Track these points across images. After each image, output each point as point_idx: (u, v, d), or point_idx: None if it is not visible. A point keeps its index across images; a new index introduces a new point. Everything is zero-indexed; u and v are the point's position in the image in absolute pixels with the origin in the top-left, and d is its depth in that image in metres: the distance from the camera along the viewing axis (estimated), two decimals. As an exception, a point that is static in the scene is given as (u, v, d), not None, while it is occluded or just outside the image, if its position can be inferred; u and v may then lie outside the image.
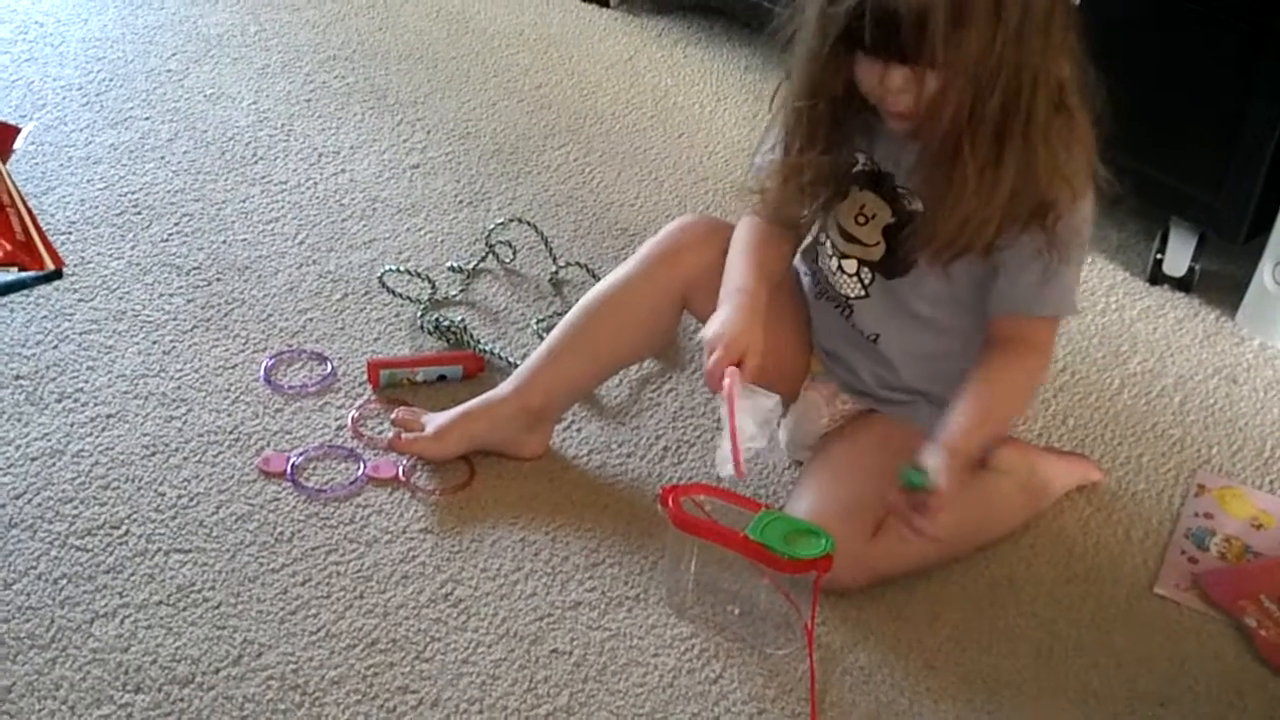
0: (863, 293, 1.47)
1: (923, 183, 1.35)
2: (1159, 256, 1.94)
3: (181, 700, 1.27)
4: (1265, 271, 1.84)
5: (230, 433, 1.58)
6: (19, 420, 1.57)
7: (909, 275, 1.43)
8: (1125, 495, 1.60)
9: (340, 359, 1.70)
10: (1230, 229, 1.86)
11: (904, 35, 1.24)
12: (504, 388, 1.56)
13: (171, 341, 1.71)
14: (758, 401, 1.35)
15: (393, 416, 1.58)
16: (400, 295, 1.81)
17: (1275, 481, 1.63)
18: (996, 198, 1.30)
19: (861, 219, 1.44)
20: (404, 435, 1.55)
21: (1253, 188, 1.81)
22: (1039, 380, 1.47)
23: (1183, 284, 1.94)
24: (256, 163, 2.07)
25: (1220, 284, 1.94)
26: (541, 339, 1.67)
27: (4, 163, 1.93)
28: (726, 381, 1.33)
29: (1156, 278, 1.95)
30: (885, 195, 1.42)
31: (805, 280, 1.56)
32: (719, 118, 2.28)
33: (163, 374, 1.65)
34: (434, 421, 1.56)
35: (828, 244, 1.49)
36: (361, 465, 1.54)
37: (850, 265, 1.47)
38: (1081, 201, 1.34)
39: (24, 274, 1.78)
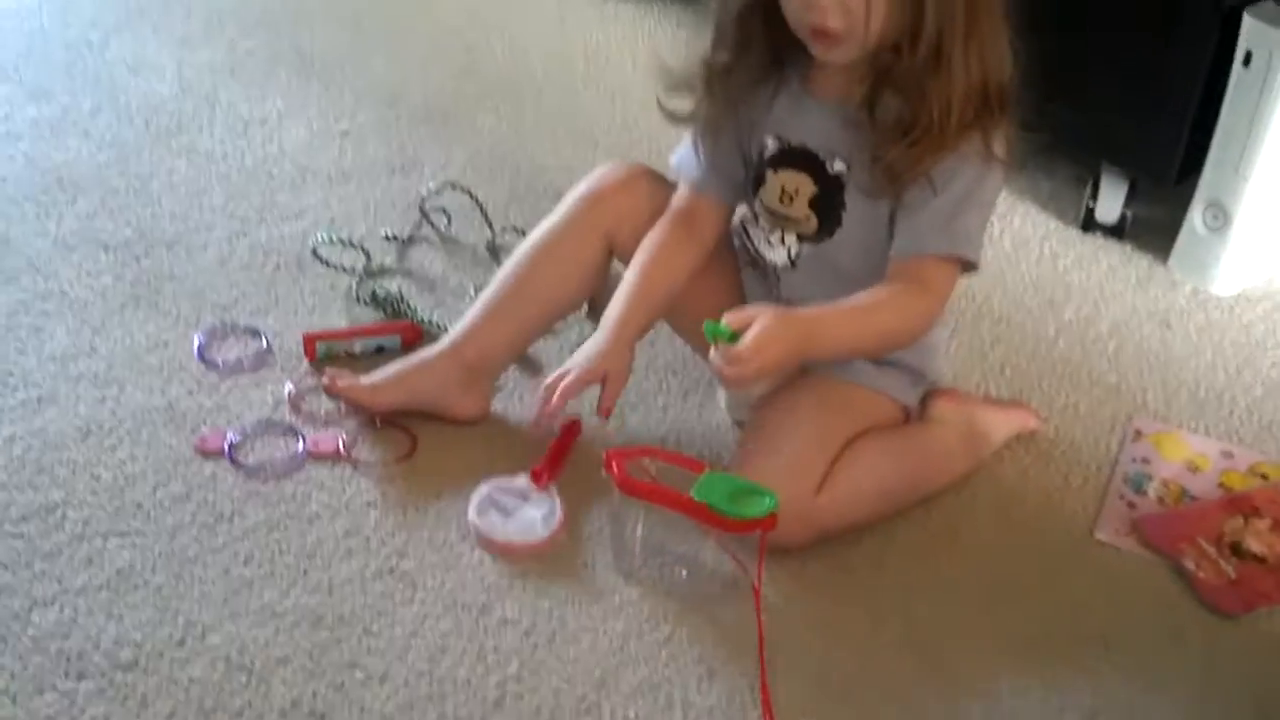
0: (789, 263, 1.48)
1: (911, 92, 1.32)
2: (1090, 204, 1.95)
3: (125, 685, 1.26)
4: (1196, 216, 1.85)
5: (165, 412, 1.55)
6: (-53, 406, 1.54)
7: (834, 235, 1.44)
8: (1063, 442, 1.61)
9: (275, 333, 1.68)
10: (1161, 172, 1.88)
11: None
12: (439, 344, 1.56)
13: (101, 320, 1.68)
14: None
15: (326, 371, 1.56)
16: (334, 266, 1.79)
17: (1210, 425, 1.65)
18: (977, 82, 1.31)
19: (786, 199, 1.45)
20: (339, 381, 1.53)
21: (1181, 129, 1.82)
22: (924, 321, 1.41)
23: (1115, 231, 1.95)
24: (181, 134, 2.04)
25: (1152, 230, 1.95)
26: (479, 305, 1.67)
27: (-81, 142, 1.89)
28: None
29: (1089, 225, 1.97)
30: (803, 168, 1.43)
31: (736, 245, 1.56)
32: (652, 76, 2.25)
33: (93, 354, 1.62)
34: (368, 378, 1.55)
35: (760, 222, 1.49)
36: (301, 440, 1.52)
37: (790, 238, 1.47)
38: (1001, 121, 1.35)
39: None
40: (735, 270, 1.56)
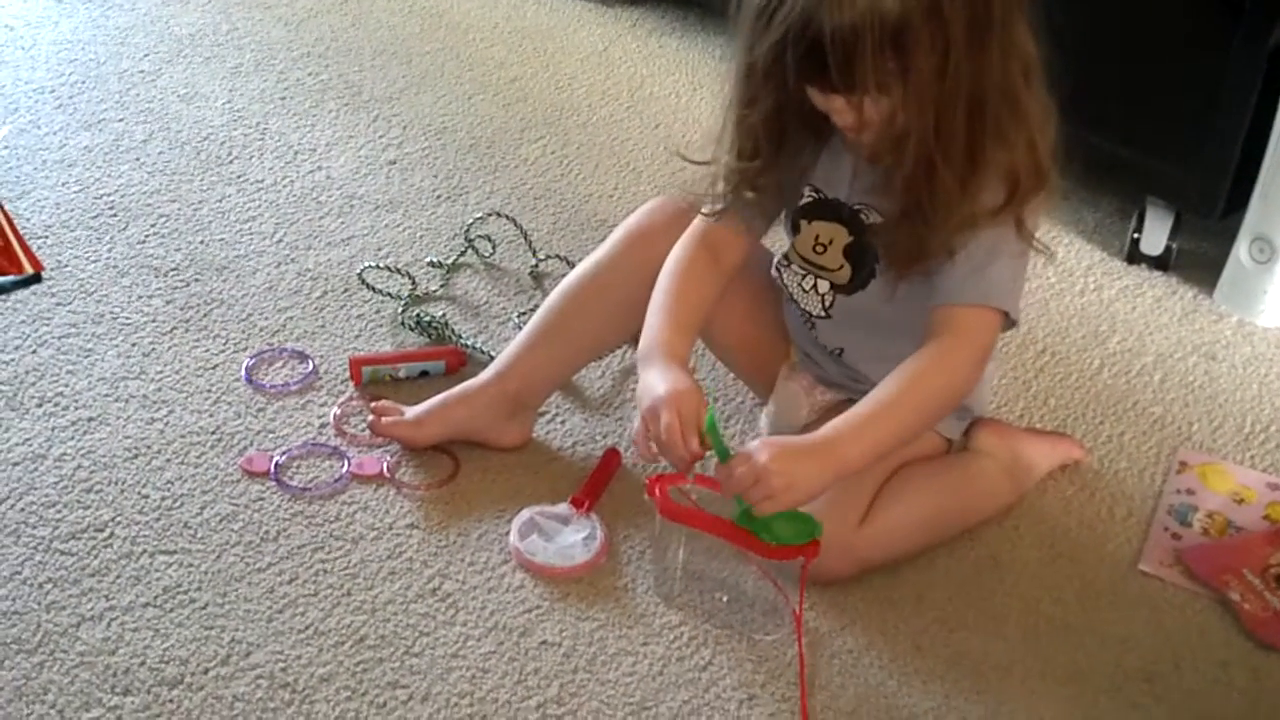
0: (824, 313, 1.47)
1: (903, 194, 1.31)
2: (1136, 236, 1.95)
3: (171, 701, 1.27)
4: (1241, 248, 1.85)
5: (213, 433, 1.57)
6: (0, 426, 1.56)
7: (868, 287, 1.43)
8: (1108, 474, 1.60)
9: (322, 357, 1.70)
10: (1206, 206, 1.87)
11: (832, 67, 1.22)
12: (483, 375, 1.56)
13: (151, 343, 1.70)
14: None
15: (371, 405, 1.58)
16: (380, 291, 1.81)
17: (1256, 456, 1.64)
18: (982, 196, 1.29)
19: (819, 248, 1.44)
20: (384, 419, 1.54)
21: (1228, 164, 1.81)
22: (962, 377, 1.35)
23: (1160, 263, 1.95)
24: (232, 162, 2.07)
25: (1197, 262, 1.95)
26: (523, 331, 1.68)
27: (-22, 167, 1.93)
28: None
29: (1134, 257, 1.96)
30: (838, 219, 1.42)
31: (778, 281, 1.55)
32: (695, 107, 2.28)
33: (143, 376, 1.65)
34: (413, 410, 1.56)
35: (794, 267, 1.48)
36: (346, 463, 1.54)
37: (823, 285, 1.46)
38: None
39: (2, 278, 1.77)
40: (778, 304, 1.56)
